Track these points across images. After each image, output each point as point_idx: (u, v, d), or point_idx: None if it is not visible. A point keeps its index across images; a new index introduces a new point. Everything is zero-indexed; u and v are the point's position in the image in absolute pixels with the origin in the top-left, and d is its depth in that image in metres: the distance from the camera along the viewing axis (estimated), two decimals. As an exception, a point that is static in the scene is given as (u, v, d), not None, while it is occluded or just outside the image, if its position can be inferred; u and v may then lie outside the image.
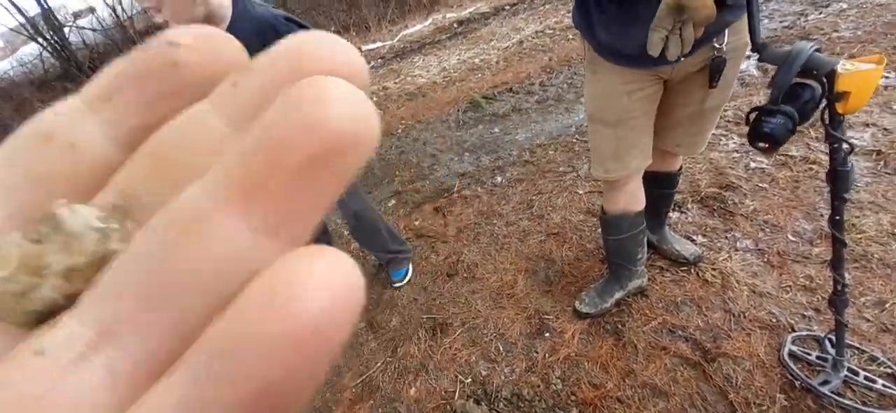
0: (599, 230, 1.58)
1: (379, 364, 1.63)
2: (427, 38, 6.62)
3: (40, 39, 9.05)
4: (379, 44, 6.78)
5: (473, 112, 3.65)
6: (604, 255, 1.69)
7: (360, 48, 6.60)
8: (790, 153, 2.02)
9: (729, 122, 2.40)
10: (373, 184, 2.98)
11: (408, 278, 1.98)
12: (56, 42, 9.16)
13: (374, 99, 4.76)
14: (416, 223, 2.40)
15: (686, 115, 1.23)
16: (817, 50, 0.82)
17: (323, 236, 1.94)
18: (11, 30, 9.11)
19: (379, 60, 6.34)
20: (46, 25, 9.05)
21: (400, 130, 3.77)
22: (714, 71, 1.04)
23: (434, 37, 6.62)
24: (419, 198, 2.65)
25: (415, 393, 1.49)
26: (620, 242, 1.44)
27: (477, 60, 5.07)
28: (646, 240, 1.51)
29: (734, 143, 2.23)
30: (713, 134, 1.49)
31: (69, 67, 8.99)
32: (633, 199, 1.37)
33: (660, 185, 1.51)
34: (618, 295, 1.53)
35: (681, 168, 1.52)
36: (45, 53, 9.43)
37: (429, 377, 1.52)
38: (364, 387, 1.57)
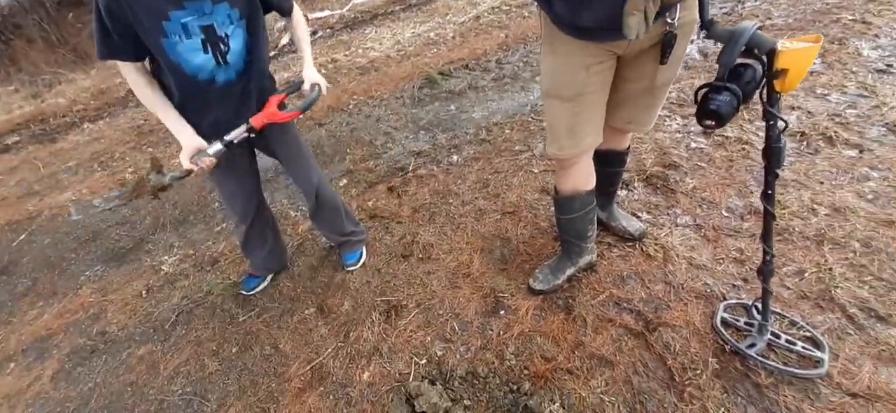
0: (553, 209, 1.59)
1: (329, 350, 1.57)
2: (379, 9, 6.36)
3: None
4: (328, 12, 6.42)
5: (429, 88, 3.56)
6: (557, 233, 1.72)
7: (306, 16, 6.20)
8: (726, 134, 2.14)
9: (672, 103, 2.51)
10: (323, 162, 2.85)
11: (362, 261, 1.91)
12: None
13: (323, 71, 4.52)
14: (370, 204, 2.32)
15: (637, 90, 1.25)
16: (760, 28, 0.84)
17: (265, 219, 1.81)
18: None
19: (328, 30, 6.01)
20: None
21: (351, 106, 3.61)
22: (666, 46, 1.05)
23: (387, 7, 6.37)
24: (373, 177, 2.56)
25: (368, 377, 1.45)
26: (572, 221, 1.47)
27: (432, 35, 4.95)
28: (596, 217, 1.54)
29: (677, 123, 2.33)
30: (658, 115, 1.53)
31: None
32: (585, 178, 1.39)
33: (610, 164, 1.54)
34: (569, 271, 1.57)
35: (629, 147, 1.55)
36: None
37: (383, 360, 1.49)
38: (313, 373, 1.51)
